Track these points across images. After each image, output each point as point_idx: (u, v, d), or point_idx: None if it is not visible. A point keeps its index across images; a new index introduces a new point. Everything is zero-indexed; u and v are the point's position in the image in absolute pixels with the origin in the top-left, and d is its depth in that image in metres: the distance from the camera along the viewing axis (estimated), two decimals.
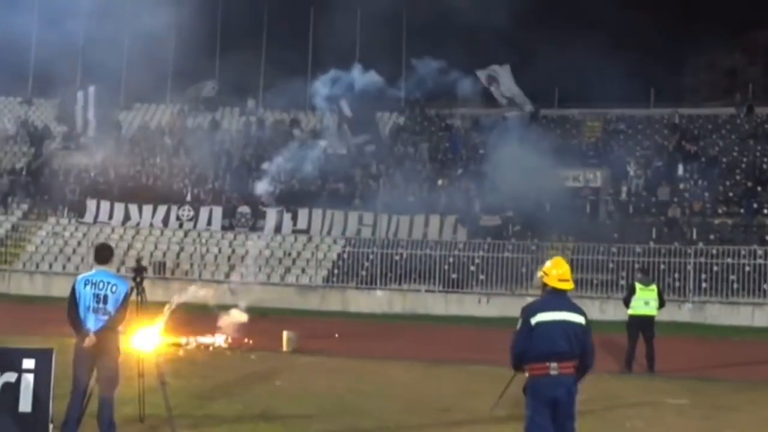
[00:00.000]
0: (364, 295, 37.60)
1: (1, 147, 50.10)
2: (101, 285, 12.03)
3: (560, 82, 51.50)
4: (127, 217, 43.47)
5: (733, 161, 45.38)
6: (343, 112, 43.38)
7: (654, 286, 22.55)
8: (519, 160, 44.49)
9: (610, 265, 37.61)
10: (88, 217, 43.90)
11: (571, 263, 32.04)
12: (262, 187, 39.59)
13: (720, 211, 41.80)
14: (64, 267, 40.74)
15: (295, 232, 41.78)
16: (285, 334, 23.63)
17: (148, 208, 43.37)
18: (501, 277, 37.83)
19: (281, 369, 19.91)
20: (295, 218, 42.07)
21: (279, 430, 13.69)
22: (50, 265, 41.12)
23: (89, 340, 11.80)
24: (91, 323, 11.91)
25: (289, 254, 40.32)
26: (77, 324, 11.96)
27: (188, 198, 44.06)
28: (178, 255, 40.68)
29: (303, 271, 39.35)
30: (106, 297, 11.99)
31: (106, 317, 11.93)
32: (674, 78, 56.66)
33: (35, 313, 28.41)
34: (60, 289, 26.10)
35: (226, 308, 25.67)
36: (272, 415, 14.62)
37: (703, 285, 36.31)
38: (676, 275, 36.68)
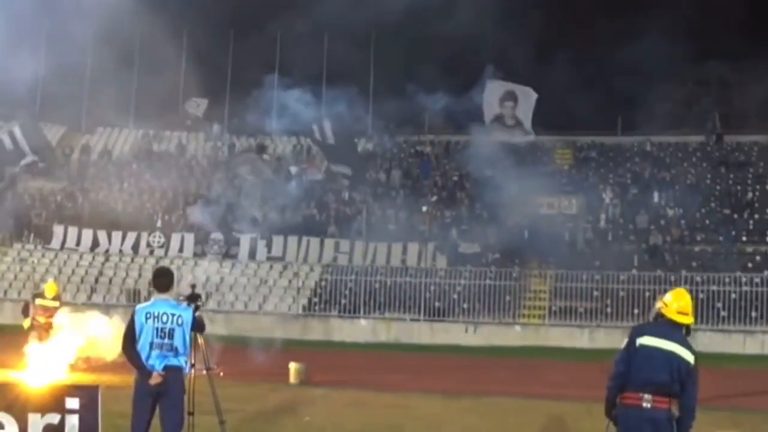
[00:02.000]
0: (347, 323, 36.79)
1: None
2: (165, 318, 10.96)
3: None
4: (95, 243, 42.29)
5: (707, 189, 45.18)
6: (326, 135, 42.53)
7: None
8: (495, 187, 44.20)
9: (595, 293, 37.19)
10: (55, 243, 42.63)
11: (553, 291, 31.89)
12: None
13: (698, 238, 41.58)
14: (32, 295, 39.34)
15: (269, 259, 40.81)
16: (292, 365, 22.75)
17: (117, 234, 42.25)
18: (485, 306, 37.18)
19: (299, 402, 19.07)
20: (269, 245, 41.11)
21: None
22: (19, 293, 39.76)
23: (155, 378, 10.79)
24: (155, 360, 10.88)
25: (266, 282, 39.32)
26: (137, 360, 10.93)
27: (159, 224, 42.97)
28: (150, 283, 39.45)
29: (281, 299, 38.36)
30: (171, 331, 10.94)
31: (171, 353, 10.92)
32: (641, 106, 56.44)
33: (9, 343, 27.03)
34: None
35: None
36: None
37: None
38: None
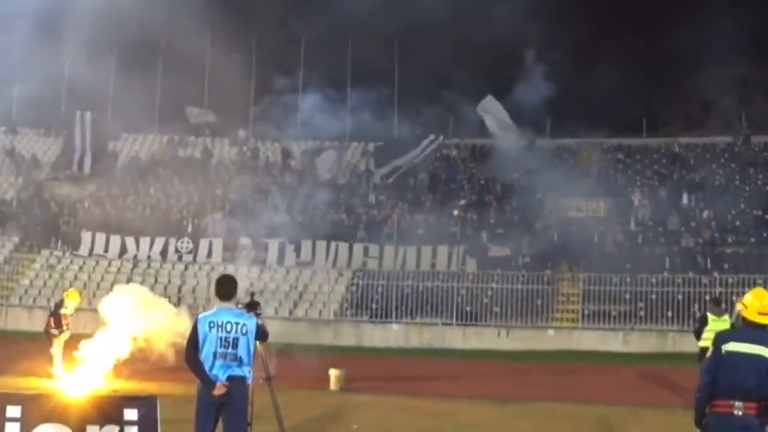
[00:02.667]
0: (379, 328, 36.55)
1: None
2: (228, 327, 10.72)
3: (551, 112, 50.94)
4: (123, 249, 42.17)
5: (736, 190, 44.84)
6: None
7: (727, 317, 21.69)
8: (523, 190, 44.06)
9: (627, 296, 36.88)
10: (83, 250, 42.53)
11: (585, 294, 31.59)
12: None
13: (730, 240, 41.23)
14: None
15: (298, 264, 40.60)
16: (333, 372, 22.57)
17: (145, 240, 42.12)
18: (517, 310, 36.91)
19: (345, 409, 18.89)
20: (297, 250, 40.93)
21: None
22: (48, 300, 39.57)
23: (219, 389, 10.55)
24: (219, 370, 10.65)
25: (296, 287, 39.10)
26: (200, 370, 10.66)
27: (188, 230, 42.85)
28: (179, 289, 39.37)
29: (311, 304, 38.15)
30: (236, 341, 10.71)
31: (235, 363, 10.68)
32: (666, 108, 56.17)
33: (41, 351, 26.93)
34: None
35: None
36: None
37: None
38: (696, 306, 35.92)
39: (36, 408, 11.03)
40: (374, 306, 37.48)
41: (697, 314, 35.42)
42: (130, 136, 53.82)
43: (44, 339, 24.12)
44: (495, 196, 44.73)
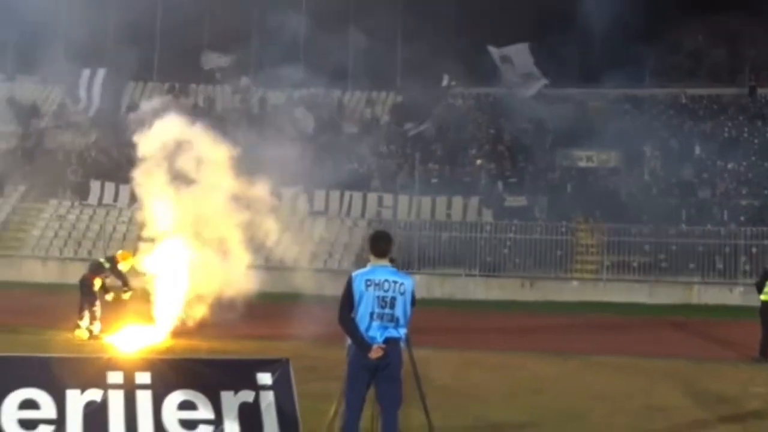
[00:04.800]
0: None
1: None
2: (386, 286, 10.11)
3: (555, 62, 50.41)
4: (133, 198, 41.48)
5: (745, 142, 44.67)
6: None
7: None
8: (533, 140, 43.72)
9: (646, 248, 36.75)
10: (92, 199, 41.94)
11: (605, 246, 31.35)
12: None
13: (744, 191, 41.08)
14: (75, 252, 38.82)
15: (312, 213, 40.15)
16: None
17: None
18: (537, 261, 36.73)
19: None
20: (311, 199, 40.48)
21: None
22: (60, 251, 39.18)
23: (376, 352, 9.99)
24: (375, 331, 10.07)
25: (311, 237, 38.65)
26: (356, 331, 10.07)
27: None
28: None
29: (330, 255, 37.77)
30: (393, 300, 10.09)
31: (392, 324, 10.16)
32: (668, 58, 55.76)
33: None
34: (76, 275, 24.67)
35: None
36: (492, 422, 13.26)
37: (746, 267, 35.52)
38: (717, 257, 35.87)
39: (166, 373, 10.60)
40: (393, 256, 37.02)
41: (717, 266, 35.54)
42: (130, 84, 52.91)
43: (70, 292, 23.46)
44: (506, 146, 44.29)
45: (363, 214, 40.22)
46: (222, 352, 19.41)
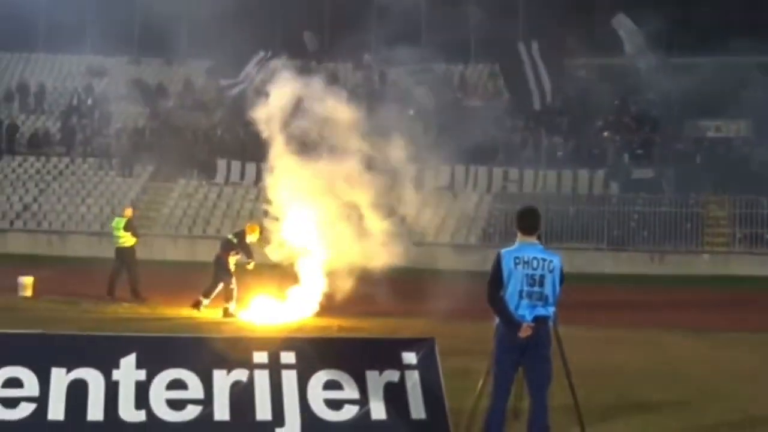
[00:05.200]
0: None
1: (116, 108, 48.44)
2: (535, 263, 9.89)
3: (682, 30, 49.27)
4: (259, 177, 41.92)
5: None
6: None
7: None
8: (660, 111, 42.87)
9: None
10: (219, 178, 42.50)
11: (734, 218, 30.55)
12: None
13: None
14: (204, 230, 39.40)
15: (437, 188, 40.01)
16: None
17: None
18: (665, 234, 36.11)
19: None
20: (436, 174, 40.31)
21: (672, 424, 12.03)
22: (189, 229, 39.81)
23: (525, 330, 9.82)
24: (524, 310, 9.88)
25: (437, 212, 38.56)
26: (505, 310, 9.89)
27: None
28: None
29: (456, 229, 37.66)
30: (542, 278, 9.90)
31: (541, 303, 9.99)
32: None
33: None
34: (205, 253, 25.02)
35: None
36: (636, 401, 13.03)
37: None
38: None
39: (311, 353, 10.62)
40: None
41: None
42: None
43: (204, 270, 23.72)
44: (632, 117, 43.55)
45: (488, 189, 40.00)
46: (358, 330, 19.50)
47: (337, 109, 23.91)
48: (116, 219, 26.69)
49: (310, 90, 23.74)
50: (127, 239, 25.63)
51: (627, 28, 46.61)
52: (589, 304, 25.49)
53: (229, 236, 23.96)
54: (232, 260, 23.02)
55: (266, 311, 22.03)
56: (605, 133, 41.51)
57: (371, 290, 22.95)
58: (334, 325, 20.46)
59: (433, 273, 30.72)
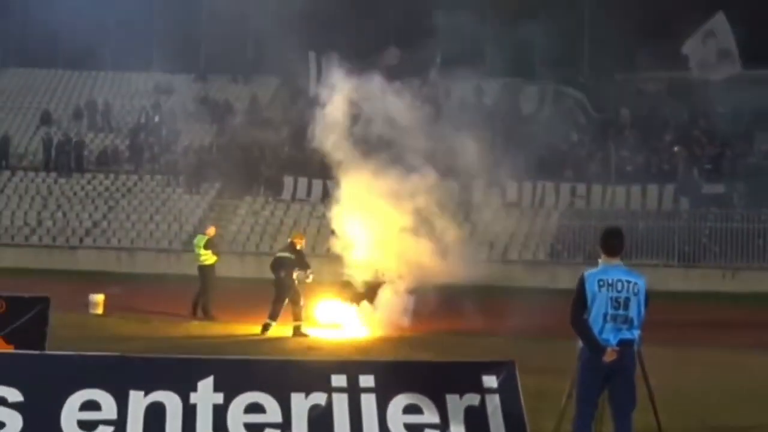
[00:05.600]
0: None
1: (183, 125, 48.77)
2: (619, 286, 9.78)
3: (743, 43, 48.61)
4: (325, 193, 41.90)
5: None
6: None
7: None
8: (730, 124, 42.25)
9: None
10: (286, 195, 42.59)
11: None
12: None
13: None
14: (271, 247, 39.33)
15: (505, 205, 39.72)
16: None
17: None
18: (737, 250, 35.53)
19: None
20: (503, 190, 40.06)
21: None
22: (257, 246, 39.88)
23: (610, 355, 9.70)
24: (609, 334, 9.76)
25: (505, 228, 38.29)
26: (589, 333, 9.80)
27: None
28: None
29: (524, 246, 37.37)
30: (627, 301, 9.78)
31: (626, 326, 9.83)
32: None
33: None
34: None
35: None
36: (722, 426, 12.72)
37: None
38: None
39: (390, 376, 10.49)
40: (588, 247, 36.46)
41: None
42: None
43: (268, 285, 23.61)
44: (702, 131, 42.99)
45: (556, 205, 39.68)
46: (431, 347, 19.33)
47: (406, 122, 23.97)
48: (198, 237, 26.84)
49: (379, 100, 23.85)
50: (207, 257, 25.76)
51: (707, 33, 45.95)
52: (661, 323, 24.86)
53: (284, 254, 23.41)
54: (295, 277, 22.95)
55: (335, 328, 22.02)
56: (676, 148, 40.82)
57: (443, 307, 22.87)
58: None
59: (503, 290, 30.55)
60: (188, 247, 38.69)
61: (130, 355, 10.66)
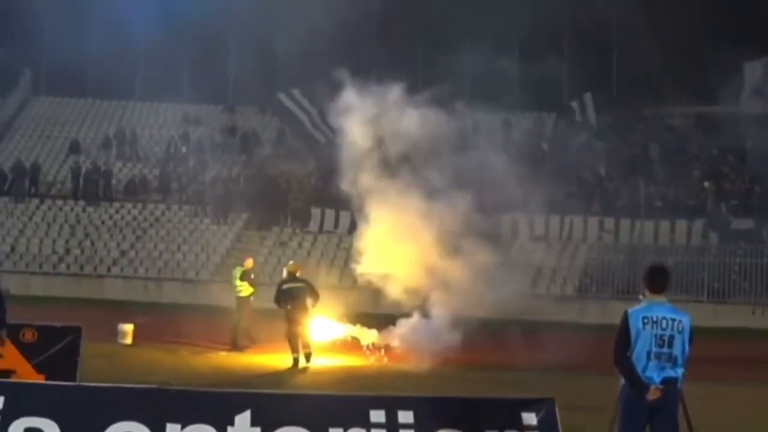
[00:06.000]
0: (626, 305, 35.10)
1: (210, 156, 48.89)
2: (664, 323, 9.79)
3: None
4: (353, 225, 41.84)
5: None
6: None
7: None
8: (761, 160, 42.03)
9: None
10: (313, 226, 42.58)
11: None
12: None
13: None
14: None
15: (532, 238, 39.62)
16: None
17: None
18: (767, 286, 35.27)
19: None
20: (531, 224, 39.97)
21: None
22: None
23: (654, 393, 9.67)
24: (653, 372, 9.74)
25: (533, 262, 38.15)
26: (632, 372, 9.79)
27: None
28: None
29: (551, 280, 37.21)
30: (671, 339, 9.78)
31: (669, 364, 9.79)
32: None
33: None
34: None
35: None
36: None
37: None
38: None
39: (429, 412, 10.41)
40: (617, 282, 36.30)
41: None
42: None
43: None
44: (730, 166, 42.79)
45: (584, 239, 39.52)
46: (456, 380, 19.21)
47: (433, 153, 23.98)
48: (236, 268, 26.96)
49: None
50: (244, 289, 25.87)
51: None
52: (692, 359, 24.84)
53: (298, 284, 23.69)
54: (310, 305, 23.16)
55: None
56: (706, 183, 40.58)
57: (473, 341, 22.79)
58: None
59: (532, 324, 30.29)
60: (216, 277, 38.91)
61: (167, 388, 10.62)
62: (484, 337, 23.96)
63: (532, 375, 20.22)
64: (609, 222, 39.85)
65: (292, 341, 22.62)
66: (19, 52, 51.60)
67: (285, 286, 23.43)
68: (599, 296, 36.21)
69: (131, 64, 52.80)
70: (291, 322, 22.70)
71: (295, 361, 22.45)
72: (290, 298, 22.98)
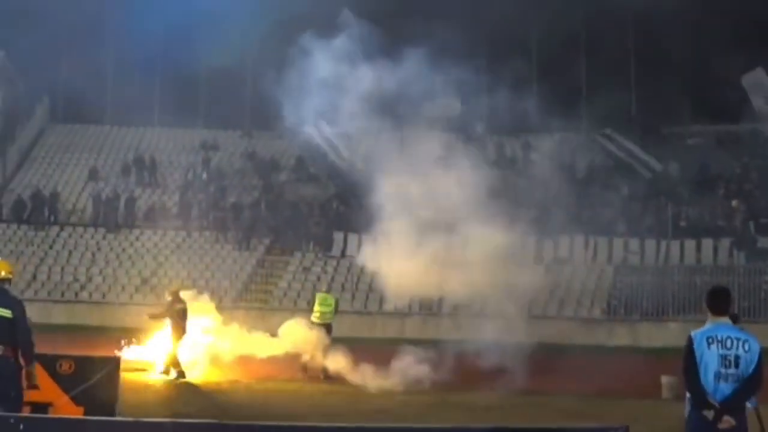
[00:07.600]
0: (656, 327, 35.04)
1: (230, 181, 48.75)
2: (729, 343, 9.68)
3: None
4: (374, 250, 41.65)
5: None
6: None
7: None
8: None
9: None
10: (335, 251, 42.39)
11: None
12: None
13: None
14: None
15: (556, 261, 39.35)
16: (664, 378, 21.41)
17: None
18: None
19: None
20: (555, 246, 39.71)
21: None
22: (308, 303, 39.52)
23: (725, 423, 9.49)
24: (722, 394, 9.60)
25: (559, 284, 37.88)
26: (701, 393, 9.66)
27: None
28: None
29: (578, 302, 36.93)
30: (737, 359, 9.65)
31: (736, 384, 9.63)
32: None
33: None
34: None
35: None
36: None
37: None
38: None
39: None
40: (645, 304, 36.03)
41: None
42: None
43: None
44: (755, 184, 42.50)
45: (609, 260, 39.25)
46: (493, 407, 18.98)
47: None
48: (326, 296, 28.31)
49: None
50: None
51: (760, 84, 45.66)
52: None
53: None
54: None
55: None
56: (734, 202, 40.25)
57: (503, 366, 22.58)
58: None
59: (560, 348, 30.12)
60: (238, 303, 38.69)
61: (228, 423, 10.39)
62: (515, 361, 23.69)
63: (571, 399, 20.01)
64: (634, 243, 39.53)
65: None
66: (36, 80, 51.63)
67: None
68: (628, 318, 35.93)
69: (149, 90, 52.74)
70: None
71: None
72: None
